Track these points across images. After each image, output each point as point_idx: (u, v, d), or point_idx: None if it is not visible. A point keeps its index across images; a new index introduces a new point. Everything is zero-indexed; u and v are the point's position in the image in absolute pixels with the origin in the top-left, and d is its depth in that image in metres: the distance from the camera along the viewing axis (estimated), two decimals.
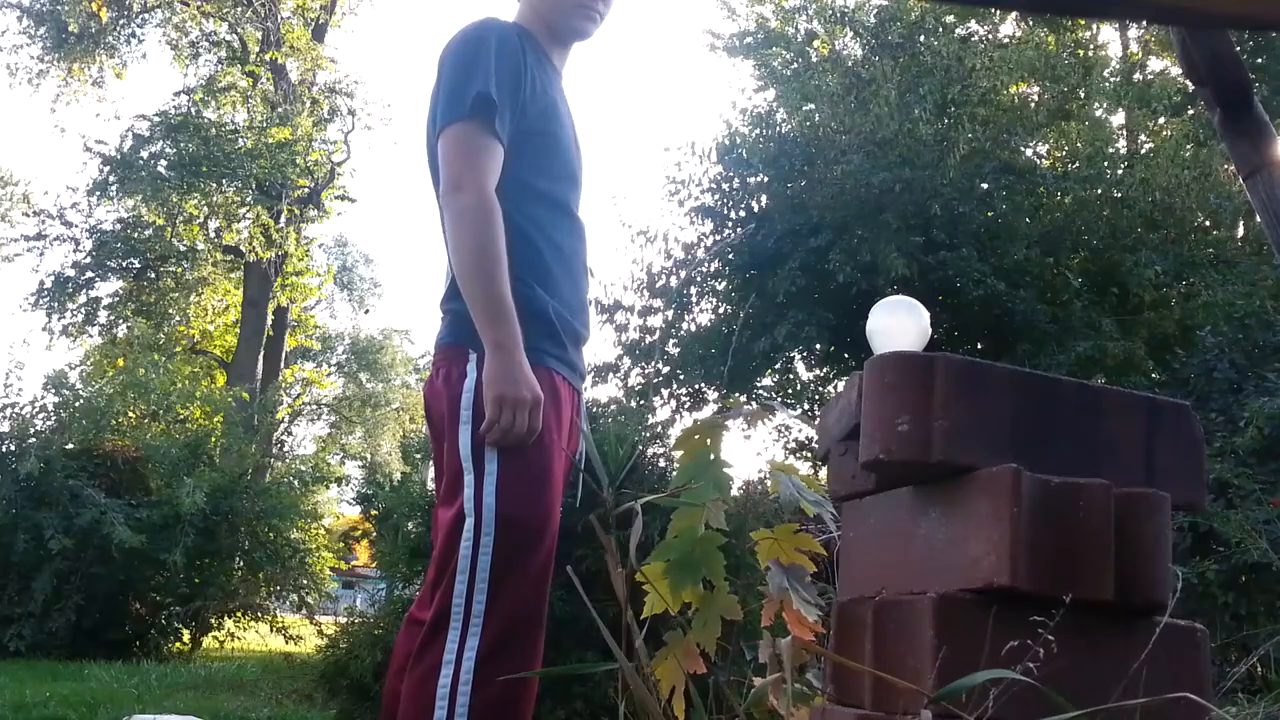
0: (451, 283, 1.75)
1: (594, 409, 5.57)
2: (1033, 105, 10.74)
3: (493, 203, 1.67)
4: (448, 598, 1.61)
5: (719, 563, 1.29)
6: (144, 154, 16.79)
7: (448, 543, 1.64)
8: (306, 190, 18.27)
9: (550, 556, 1.69)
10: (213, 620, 8.53)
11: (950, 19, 11.88)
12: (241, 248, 17.45)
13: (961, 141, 8.91)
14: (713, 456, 1.30)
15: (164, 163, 16.68)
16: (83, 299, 17.86)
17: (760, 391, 10.48)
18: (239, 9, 18.04)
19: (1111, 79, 12.30)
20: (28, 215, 18.67)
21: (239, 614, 8.60)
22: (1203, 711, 0.99)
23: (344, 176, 19.18)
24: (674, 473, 1.51)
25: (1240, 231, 10.61)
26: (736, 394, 9.39)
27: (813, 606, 1.24)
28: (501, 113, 1.71)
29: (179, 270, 18.05)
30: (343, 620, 5.71)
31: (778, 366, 10.35)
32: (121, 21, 18.00)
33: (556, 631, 4.46)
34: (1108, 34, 13.08)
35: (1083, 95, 11.67)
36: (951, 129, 9.17)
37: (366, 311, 27.33)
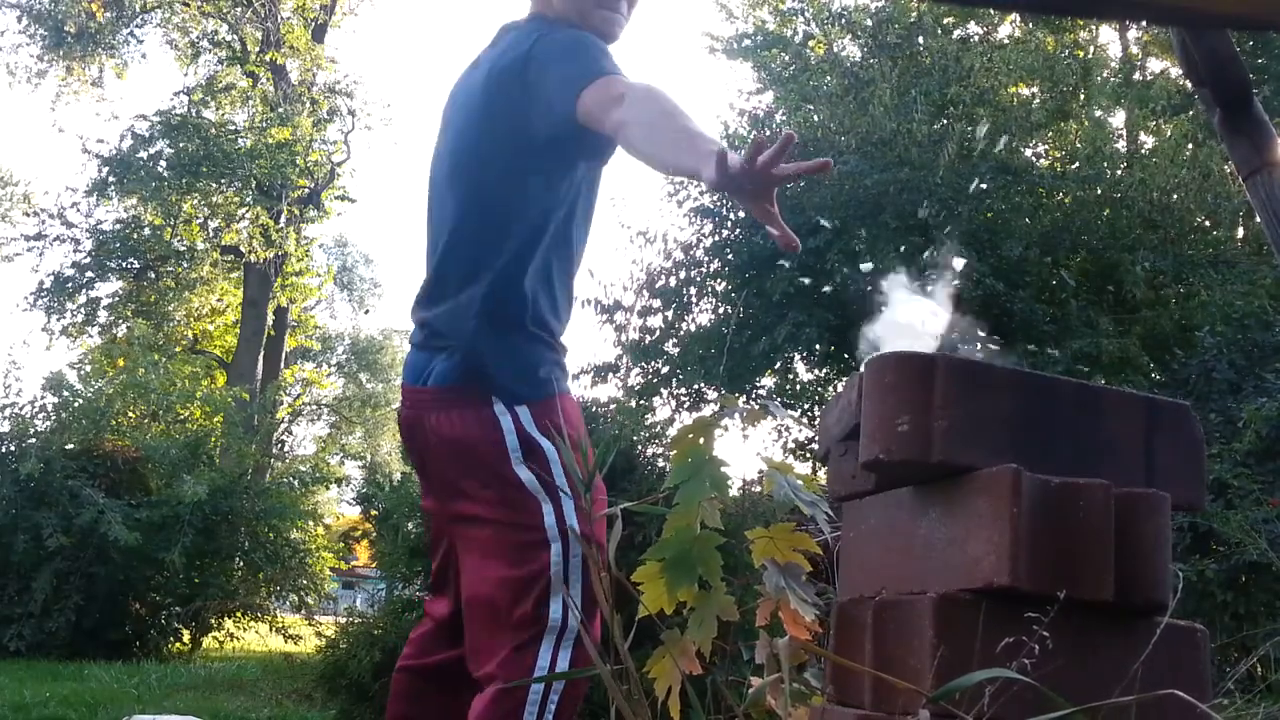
0: (450, 307, 1.78)
1: (594, 409, 5.57)
2: (1033, 104, 10.74)
3: (651, 86, 1.64)
4: (541, 619, 1.68)
5: (716, 562, 1.28)
6: (143, 154, 16.79)
7: (527, 566, 1.70)
8: (306, 190, 18.27)
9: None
10: (212, 620, 8.53)
11: (949, 20, 11.88)
12: (241, 248, 17.45)
13: (959, 141, 8.91)
14: (708, 456, 1.30)
15: (163, 163, 16.69)
16: (82, 299, 17.86)
17: (760, 392, 10.48)
18: (239, 9, 18.04)
19: (1111, 79, 12.31)
20: (28, 215, 18.67)
21: (239, 614, 8.60)
22: (1198, 710, 0.99)
23: (344, 176, 19.20)
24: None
25: (1240, 232, 10.61)
26: (735, 394, 9.39)
27: (809, 606, 1.24)
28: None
29: (179, 270, 18.04)
30: (342, 620, 5.71)
31: (777, 367, 10.35)
32: (121, 21, 18.00)
33: None
34: (1107, 34, 13.09)
35: (1082, 96, 11.67)
36: (950, 128, 9.17)
37: (366, 312, 27.36)
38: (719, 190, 1.51)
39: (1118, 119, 12.77)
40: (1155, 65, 13.02)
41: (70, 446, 8.34)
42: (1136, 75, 12.70)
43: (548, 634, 1.68)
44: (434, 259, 1.84)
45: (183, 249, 17.64)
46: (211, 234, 17.80)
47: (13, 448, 8.14)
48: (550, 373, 1.77)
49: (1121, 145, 12.17)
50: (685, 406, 10.05)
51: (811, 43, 13.06)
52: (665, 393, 10.08)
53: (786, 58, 13.27)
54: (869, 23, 11.35)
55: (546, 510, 1.71)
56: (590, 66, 1.68)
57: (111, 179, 16.75)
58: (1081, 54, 12.39)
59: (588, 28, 1.82)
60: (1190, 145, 10.03)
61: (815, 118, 10.47)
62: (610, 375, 10.16)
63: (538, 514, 1.71)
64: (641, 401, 9.42)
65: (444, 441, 1.77)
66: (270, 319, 18.25)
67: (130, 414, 9.80)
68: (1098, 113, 11.96)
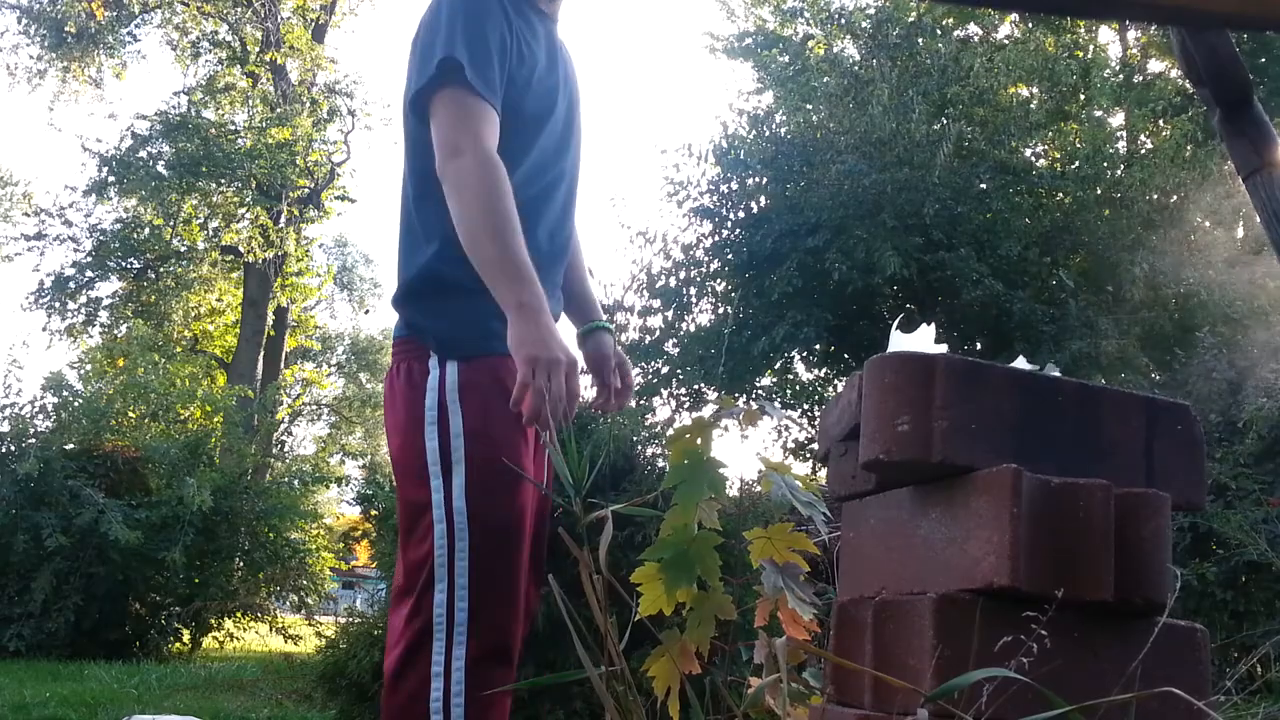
0: (404, 283, 1.70)
1: (593, 409, 5.56)
2: (1032, 105, 10.75)
3: (494, 160, 1.58)
4: (428, 609, 1.56)
5: (714, 562, 1.28)
6: (143, 154, 16.80)
7: (417, 549, 1.60)
8: (306, 190, 18.27)
9: (525, 556, 1.63)
10: (212, 620, 8.53)
11: (949, 20, 11.89)
12: (240, 248, 17.46)
13: (955, 140, 8.91)
14: (705, 456, 1.30)
15: (163, 163, 16.69)
16: (83, 299, 17.86)
17: (760, 391, 10.48)
18: (239, 9, 18.04)
19: (1111, 79, 12.31)
20: (28, 215, 18.68)
21: (239, 614, 8.60)
22: (1195, 709, 0.99)
23: (344, 176, 19.19)
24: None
25: (1240, 232, 10.61)
26: (735, 394, 9.39)
27: (808, 606, 1.24)
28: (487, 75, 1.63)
29: (179, 270, 18.05)
30: (342, 620, 5.71)
31: (777, 367, 10.36)
32: (120, 21, 18.01)
33: (555, 633, 4.46)
34: (1106, 35, 13.09)
35: (1082, 96, 11.67)
36: (948, 128, 9.18)
37: (366, 312, 27.32)
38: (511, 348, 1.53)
39: (1117, 119, 12.78)
40: (1155, 66, 13.02)
41: (70, 446, 8.34)
42: (1137, 76, 12.69)
43: (436, 632, 1.55)
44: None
45: (183, 249, 17.65)
46: (211, 234, 17.81)
47: (13, 448, 8.14)
48: (496, 329, 1.57)
49: (1121, 145, 12.17)
50: (685, 406, 10.06)
51: (811, 43, 13.07)
52: (665, 393, 10.09)
53: (787, 58, 13.27)
54: (867, 24, 11.35)
55: (435, 486, 1.58)
56: (425, 68, 1.62)
57: (111, 179, 16.75)
58: (1081, 55, 12.39)
59: None
60: (1190, 145, 10.02)
61: (815, 118, 10.48)
62: None
63: (426, 490, 1.58)
64: (641, 401, 9.42)
65: (386, 399, 1.72)
66: (270, 319, 18.25)
67: (130, 414, 9.80)
68: (1097, 113, 11.96)
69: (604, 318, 1.93)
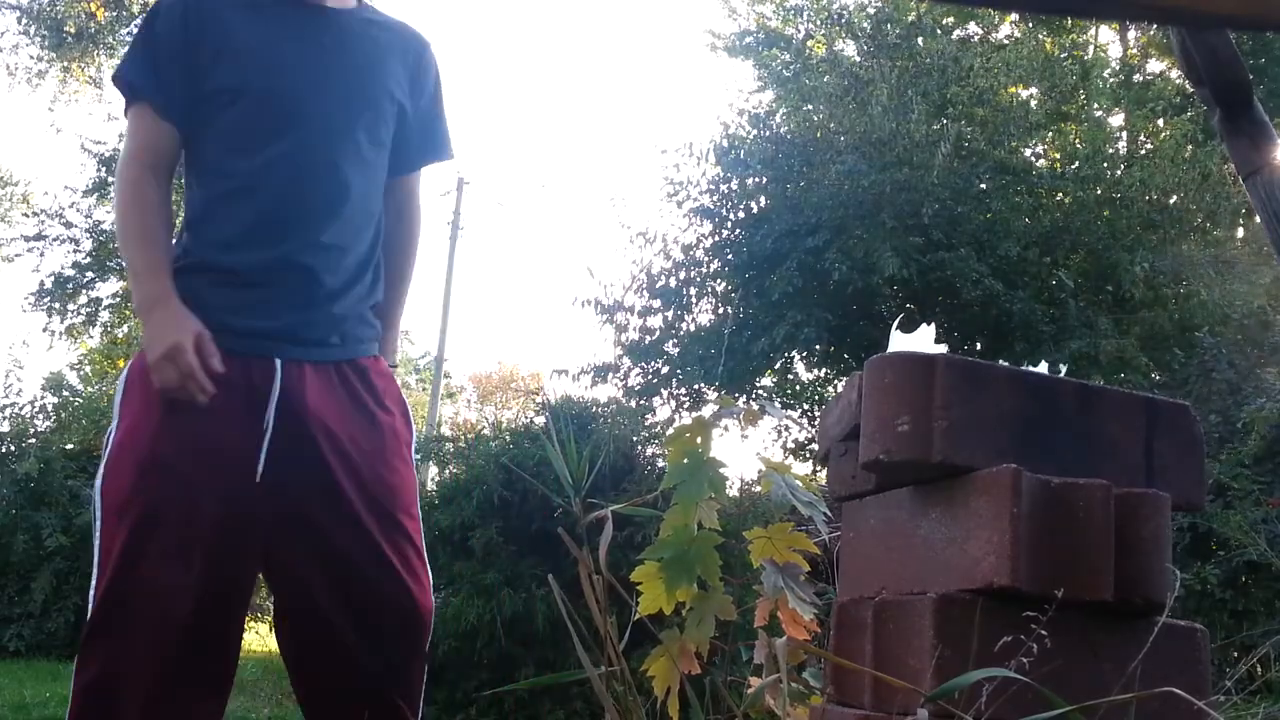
0: None
1: (593, 409, 5.57)
2: (1032, 105, 10.75)
3: (125, 177, 1.68)
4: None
5: (714, 562, 1.28)
6: None
7: None
8: None
9: (147, 537, 1.55)
10: None
11: (948, 20, 11.89)
12: None
13: (955, 140, 8.91)
14: (705, 456, 1.30)
15: None
16: (83, 299, 17.84)
17: (760, 391, 10.49)
18: None
19: (1111, 79, 12.31)
20: (27, 215, 18.65)
21: None
22: (1195, 709, 0.99)
23: None
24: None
25: (1240, 232, 10.61)
26: (735, 394, 9.39)
27: (808, 605, 1.24)
28: (150, 89, 1.68)
29: None
30: None
31: (777, 367, 10.36)
32: (120, 21, 18.00)
33: (555, 633, 4.47)
34: (1107, 35, 13.10)
35: (1082, 97, 11.67)
36: (948, 128, 9.18)
37: None
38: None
39: (1117, 119, 12.78)
40: (1155, 66, 13.03)
41: (70, 446, 8.34)
42: (1136, 76, 12.69)
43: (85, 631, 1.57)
44: None
45: None
46: None
47: (13, 448, 8.14)
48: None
49: (1121, 145, 12.17)
50: (685, 406, 10.06)
51: (811, 42, 13.07)
52: (665, 393, 10.09)
53: (787, 57, 13.27)
54: (867, 24, 11.35)
55: (98, 475, 1.62)
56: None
57: (111, 179, 16.73)
58: (1080, 55, 12.39)
59: None
60: (1190, 145, 10.03)
61: (815, 117, 10.48)
62: (610, 375, 10.17)
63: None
64: (641, 401, 9.43)
65: None
66: None
67: None
68: (1097, 113, 11.96)
69: (391, 363, 1.85)
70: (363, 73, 1.74)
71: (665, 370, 10.13)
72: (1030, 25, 11.91)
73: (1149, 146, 11.68)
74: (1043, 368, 1.26)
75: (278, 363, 1.61)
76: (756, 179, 9.74)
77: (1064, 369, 1.20)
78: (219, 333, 1.59)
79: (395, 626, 1.63)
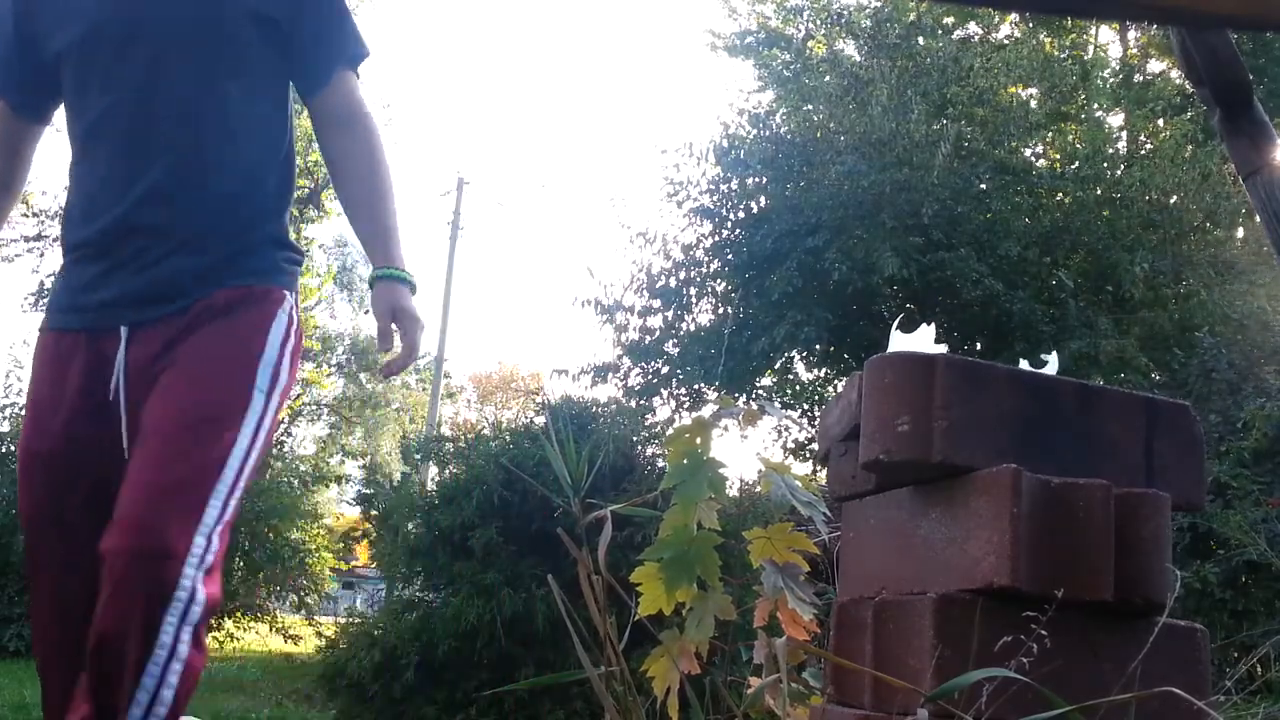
0: None
1: (593, 409, 5.57)
2: (1032, 105, 10.75)
3: None
4: None
5: (714, 562, 1.28)
6: None
7: None
8: (306, 190, 18.25)
9: (39, 545, 1.60)
10: (212, 620, 8.52)
11: (948, 20, 11.89)
12: None
13: (955, 140, 8.91)
14: (705, 456, 1.30)
15: None
16: None
17: (760, 391, 10.49)
18: None
19: (1111, 79, 12.31)
20: (27, 216, 18.64)
21: (239, 614, 8.59)
22: (1195, 709, 0.99)
23: None
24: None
25: (1239, 232, 10.61)
26: (735, 394, 9.39)
27: (807, 605, 1.24)
28: None
29: None
30: (342, 620, 5.71)
31: (777, 367, 10.36)
32: None
33: (554, 633, 4.47)
34: (1107, 35, 13.09)
35: (1081, 97, 11.67)
36: (948, 128, 9.18)
37: (366, 312, 27.29)
38: None
39: (1117, 119, 12.78)
40: (1155, 66, 13.02)
41: None
42: (1136, 76, 12.69)
43: None
44: None
45: None
46: None
47: (13, 447, 8.13)
48: (54, 303, 1.62)
49: (1121, 145, 12.17)
50: (685, 407, 10.06)
51: (811, 42, 13.07)
52: (665, 393, 10.09)
53: (787, 57, 13.27)
54: (867, 24, 11.35)
55: None
56: None
57: None
58: (1080, 55, 12.39)
59: None
60: (1190, 145, 10.03)
61: (815, 118, 10.48)
62: (610, 375, 10.17)
63: None
64: (641, 402, 9.43)
65: None
66: None
67: None
68: (1097, 113, 11.96)
69: (393, 266, 1.72)
70: (199, 2, 1.61)
71: (665, 370, 10.13)
72: (1030, 25, 11.91)
73: (1149, 146, 11.68)
74: (1053, 360, 1.26)
75: (123, 330, 1.54)
76: (756, 179, 9.74)
77: (1054, 358, 1.20)
78: (70, 311, 1.57)
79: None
